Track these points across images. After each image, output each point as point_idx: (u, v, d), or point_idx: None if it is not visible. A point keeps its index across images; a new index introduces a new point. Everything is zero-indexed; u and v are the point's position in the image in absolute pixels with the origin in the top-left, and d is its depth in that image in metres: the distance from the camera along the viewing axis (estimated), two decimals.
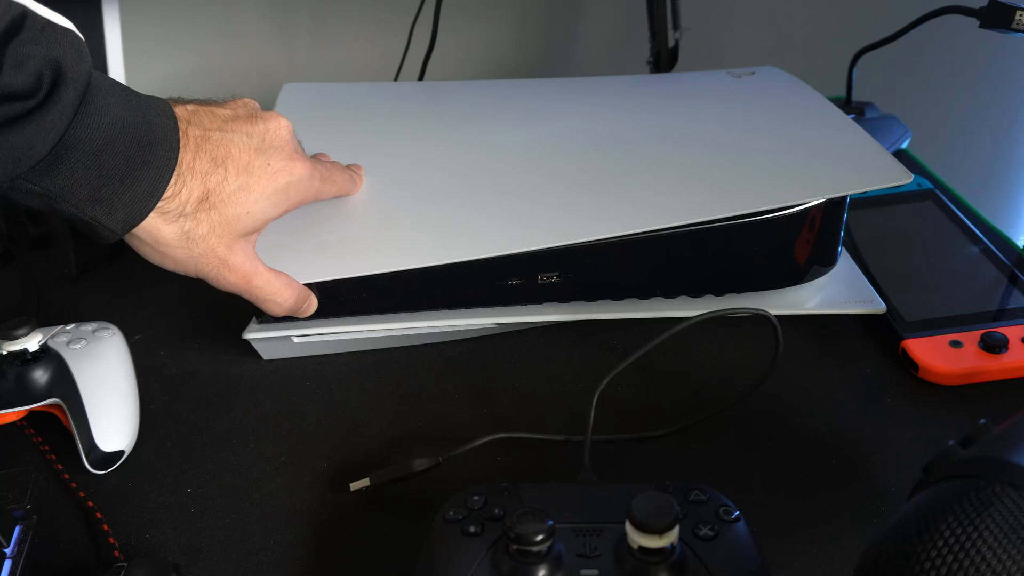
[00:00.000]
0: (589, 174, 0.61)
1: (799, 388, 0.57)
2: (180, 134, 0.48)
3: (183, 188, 0.48)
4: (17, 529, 0.46)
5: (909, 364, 0.57)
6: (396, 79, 0.89)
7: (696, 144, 0.63)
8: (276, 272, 0.53)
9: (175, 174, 0.47)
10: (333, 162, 0.59)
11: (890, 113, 0.84)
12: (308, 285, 0.55)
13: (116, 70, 0.67)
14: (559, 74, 1.10)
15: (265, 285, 0.53)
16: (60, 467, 0.53)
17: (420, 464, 0.51)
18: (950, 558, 0.32)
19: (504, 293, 0.58)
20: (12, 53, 0.41)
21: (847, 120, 0.65)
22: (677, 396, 0.57)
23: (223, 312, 0.62)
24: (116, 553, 0.47)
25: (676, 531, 0.38)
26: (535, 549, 0.38)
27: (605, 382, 0.53)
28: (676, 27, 0.87)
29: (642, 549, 0.38)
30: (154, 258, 0.50)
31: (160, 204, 0.47)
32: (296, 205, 0.54)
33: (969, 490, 0.34)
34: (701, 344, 0.60)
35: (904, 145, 0.81)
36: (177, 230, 0.48)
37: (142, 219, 0.47)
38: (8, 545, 0.45)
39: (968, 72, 1.21)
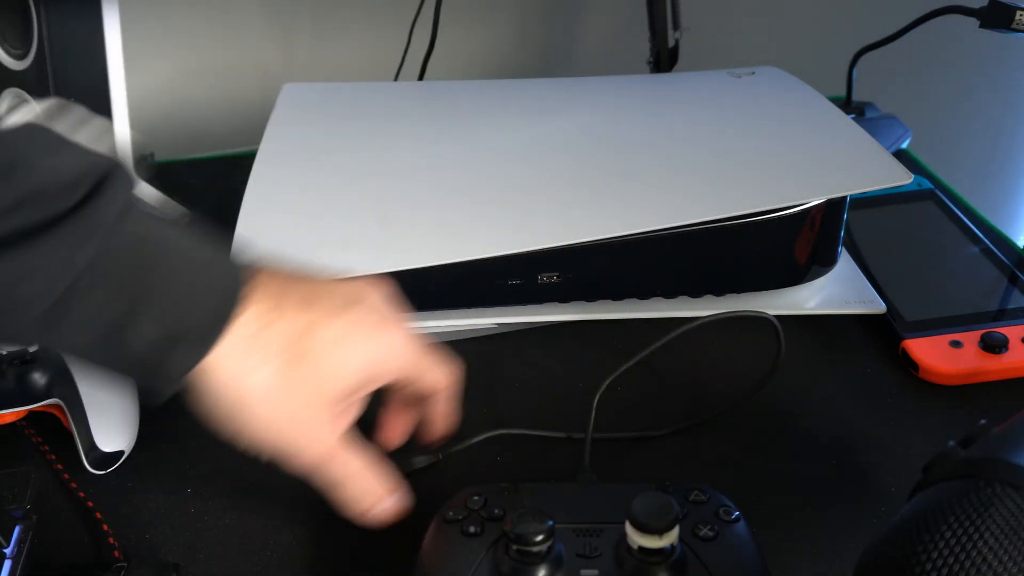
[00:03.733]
0: (589, 174, 0.61)
1: (799, 388, 0.57)
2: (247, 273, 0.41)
3: (265, 317, 0.40)
4: (17, 529, 0.46)
5: (909, 364, 0.57)
6: (396, 79, 0.89)
7: (696, 144, 0.63)
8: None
9: (247, 299, 0.39)
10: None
11: (890, 113, 0.84)
12: None
13: (116, 70, 0.67)
14: (559, 74, 1.09)
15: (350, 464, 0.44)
16: (60, 467, 0.52)
17: (420, 461, 0.51)
18: (951, 559, 0.32)
19: (504, 293, 0.58)
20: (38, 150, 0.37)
21: (847, 120, 0.65)
22: (678, 396, 0.57)
23: None
24: (116, 553, 0.47)
25: (676, 531, 0.38)
26: (535, 549, 0.38)
27: (607, 383, 0.53)
28: (676, 27, 0.87)
29: (642, 549, 0.38)
30: (233, 419, 0.41)
31: (234, 332, 0.39)
32: (390, 376, 0.45)
33: (969, 491, 0.34)
34: (702, 344, 0.60)
35: (904, 145, 0.81)
36: (263, 377, 0.40)
37: (206, 352, 0.38)
38: (8, 545, 0.45)
39: (968, 72, 1.21)
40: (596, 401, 0.52)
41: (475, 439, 0.52)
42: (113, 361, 0.38)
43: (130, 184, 0.38)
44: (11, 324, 0.36)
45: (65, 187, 0.36)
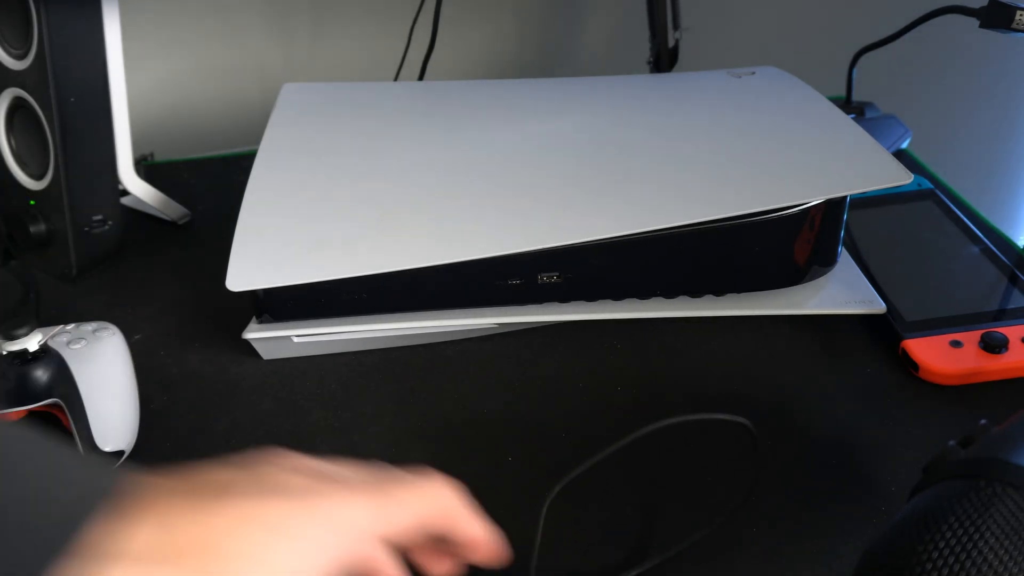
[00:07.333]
0: (589, 174, 0.61)
1: (799, 388, 0.57)
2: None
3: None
4: None
5: (909, 364, 0.57)
6: (396, 79, 0.89)
7: (696, 144, 0.63)
8: None
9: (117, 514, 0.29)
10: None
11: (890, 113, 0.84)
12: (308, 285, 0.55)
13: (116, 70, 0.67)
14: (559, 74, 1.09)
15: None
16: None
17: None
18: (951, 559, 0.32)
19: (504, 293, 0.58)
20: None
21: (847, 120, 0.65)
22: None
23: (223, 312, 0.62)
24: None
25: None
26: None
27: (556, 490, 0.47)
28: (676, 27, 0.87)
29: None
30: None
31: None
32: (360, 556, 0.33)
33: (969, 491, 0.34)
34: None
35: (904, 145, 0.81)
36: None
37: None
38: None
39: (968, 72, 1.21)
40: (544, 512, 0.46)
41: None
42: None
43: None
44: None
45: None
